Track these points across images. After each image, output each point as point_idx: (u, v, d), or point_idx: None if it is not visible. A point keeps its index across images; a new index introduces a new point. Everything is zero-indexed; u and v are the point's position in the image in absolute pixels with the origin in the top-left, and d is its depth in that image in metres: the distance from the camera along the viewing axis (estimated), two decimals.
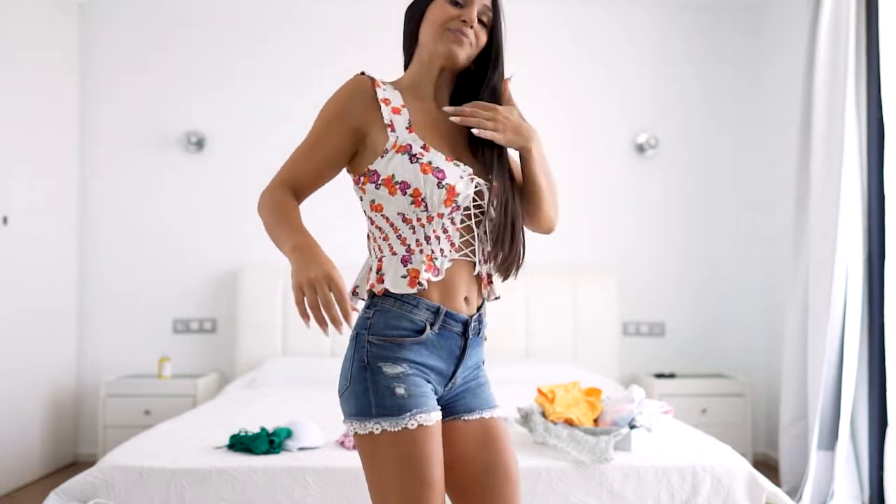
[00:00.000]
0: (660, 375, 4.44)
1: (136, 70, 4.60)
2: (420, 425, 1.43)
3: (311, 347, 4.41)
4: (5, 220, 3.83)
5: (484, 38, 1.58)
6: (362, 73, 1.56)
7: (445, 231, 1.49)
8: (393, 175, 1.47)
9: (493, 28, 1.59)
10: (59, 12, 4.33)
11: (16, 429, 3.90)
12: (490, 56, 1.61)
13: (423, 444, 1.43)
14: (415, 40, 1.60)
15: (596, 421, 2.73)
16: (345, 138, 1.51)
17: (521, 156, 1.60)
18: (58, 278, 4.33)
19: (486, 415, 1.57)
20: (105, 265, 4.56)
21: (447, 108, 1.55)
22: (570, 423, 2.66)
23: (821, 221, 3.51)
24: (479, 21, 1.56)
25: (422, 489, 1.42)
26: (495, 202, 1.53)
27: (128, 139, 4.59)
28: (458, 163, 1.51)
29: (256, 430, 2.72)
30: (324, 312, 1.33)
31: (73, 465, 4.37)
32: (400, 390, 1.44)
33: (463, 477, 1.53)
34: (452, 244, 1.50)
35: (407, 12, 1.62)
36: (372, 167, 1.49)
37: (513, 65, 1.69)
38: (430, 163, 1.46)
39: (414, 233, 1.48)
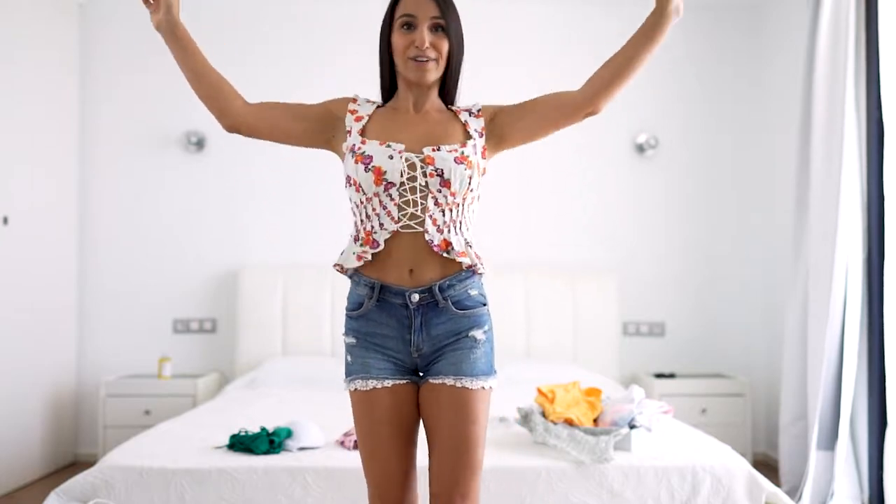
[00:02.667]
0: (660, 375, 4.44)
1: (136, 70, 4.60)
2: (356, 390, 1.71)
3: (311, 347, 4.41)
4: (5, 220, 3.83)
5: (446, 45, 1.73)
6: (355, 96, 1.82)
7: (385, 207, 1.67)
8: (346, 172, 1.72)
9: (448, 32, 1.72)
10: (59, 12, 4.33)
11: (16, 429, 3.90)
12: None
13: (360, 406, 1.71)
14: (393, 66, 1.78)
15: (596, 421, 2.73)
16: (318, 110, 1.79)
17: (659, 23, 1.68)
18: (58, 278, 4.33)
19: (450, 381, 1.68)
20: (105, 265, 4.56)
21: None
22: (570, 423, 2.66)
23: (821, 221, 3.51)
24: (437, 30, 1.71)
25: (362, 441, 1.72)
26: (428, 170, 1.66)
27: (128, 139, 4.59)
28: (391, 143, 1.68)
29: (256, 430, 2.72)
30: None
31: (73, 465, 4.37)
32: (348, 357, 1.75)
33: (428, 436, 1.72)
34: (393, 218, 1.67)
35: (379, 42, 1.79)
36: (344, 171, 1.74)
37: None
38: (363, 153, 1.67)
39: (361, 214, 1.71)
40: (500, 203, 4.51)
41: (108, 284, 4.55)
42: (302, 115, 1.78)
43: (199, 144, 4.55)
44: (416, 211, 1.67)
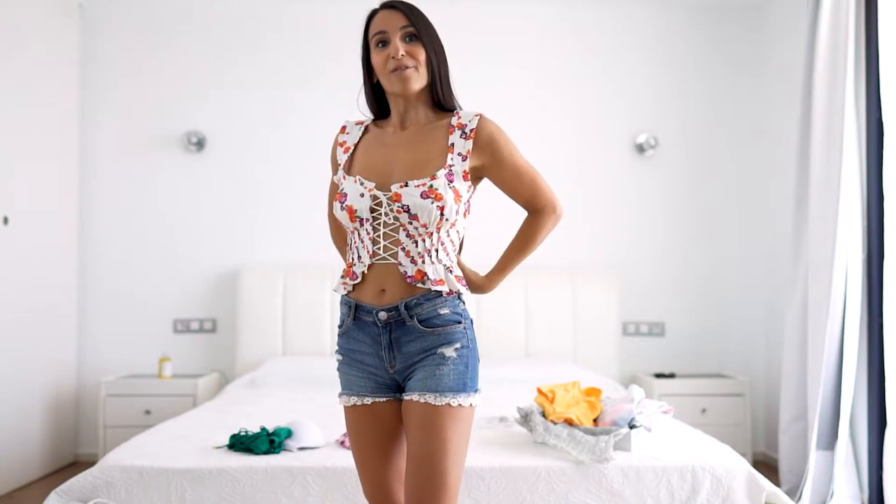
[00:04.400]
0: (660, 375, 4.44)
1: (136, 70, 4.60)
2: (343, 405, 1.81)
3: (311, 347, 4.41)
4: (5, 220, 3.83)
5: (422, 51, 1.75)
6: (344, 123, 1.89)
7: (362, 241, 1.75)
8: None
9: (421, 39, 1.75)
10: (59, 12, 4.33)
11: (16, 429, 3.90)
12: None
13: (348, 419, 1.81)
14: (378, 88, 1.84)
15: (596, 421, 2.73)
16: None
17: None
18: (58, 278, 4.33)
19: (415, 398, 1.69)
20: (105, 265, 4.56)
21: None
22: (570, 422, 2.66)
23: (821, 221, 3.51)
24: (410, 39, 1.74)
25: (352, 451, 1.81)
26: (395, 207, 1.70)
27: (128, 139, 4.59)
28: (363, 181, 1.75)
29: (256, 429, 2.72)
30: None
31: (73, 465, 4.37)
32: (338, 373, 1.83)
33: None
34: (369, 252, 1.74)
35: (362, 70, 1.84)
36: None
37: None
38: (342, 190, 1.76)
39: (349, 245, 1.81)
40: (500, 203, 4.50)
41: (108, 284, 4.55)
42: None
43: (199, 144, 4.55)
44: (389, 244, 1.72)
